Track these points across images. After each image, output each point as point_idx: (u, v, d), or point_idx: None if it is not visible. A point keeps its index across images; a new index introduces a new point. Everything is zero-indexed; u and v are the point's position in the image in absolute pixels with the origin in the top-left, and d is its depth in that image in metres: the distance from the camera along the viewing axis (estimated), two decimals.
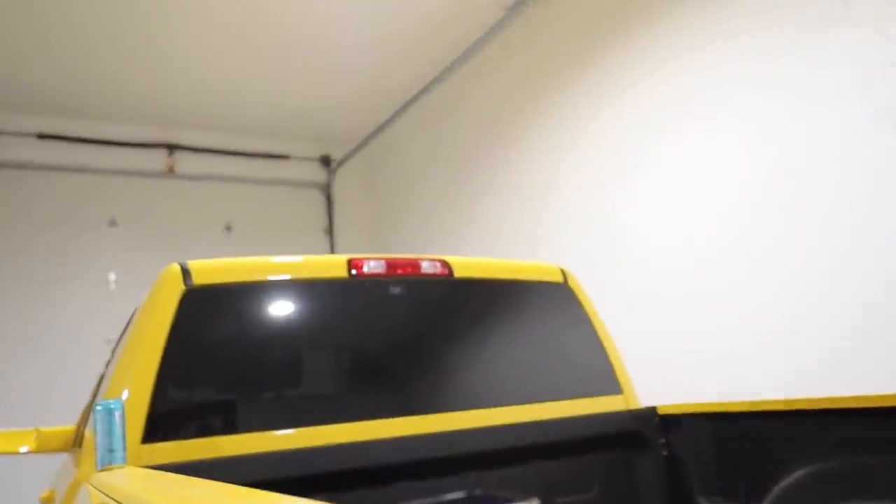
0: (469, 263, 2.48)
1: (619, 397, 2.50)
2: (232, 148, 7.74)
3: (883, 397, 1.90)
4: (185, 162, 7.53)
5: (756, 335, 3.73)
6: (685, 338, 4.14)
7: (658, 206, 4.46)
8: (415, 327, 2.39)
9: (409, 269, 2.32)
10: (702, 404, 2.29)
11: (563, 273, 2.66)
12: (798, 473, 2.00)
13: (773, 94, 3.76)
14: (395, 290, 2.30)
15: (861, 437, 1.96)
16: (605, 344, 2.56)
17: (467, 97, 6.53)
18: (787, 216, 3.65)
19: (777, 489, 2.02)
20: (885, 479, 1.88)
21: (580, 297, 2.61)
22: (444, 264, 2.39)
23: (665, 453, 2.39)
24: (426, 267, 2.35)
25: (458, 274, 2.40)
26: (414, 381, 2.26)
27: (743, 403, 2.12)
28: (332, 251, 8.10)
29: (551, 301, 2.60)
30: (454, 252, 2.68)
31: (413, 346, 2.33)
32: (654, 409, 2.44)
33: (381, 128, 7.35)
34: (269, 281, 2.13)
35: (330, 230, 8.29)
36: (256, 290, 2.10)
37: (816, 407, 2.01)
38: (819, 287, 3.47)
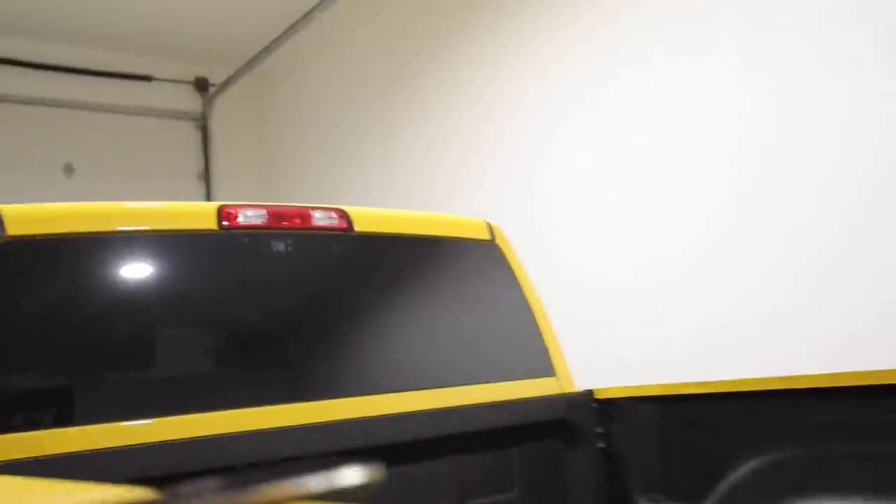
0: (373, 215, 2.59)
1: (551, 380, 2.67)
2: (73, 63, 7.58)
3: (854, 374, 2.11)
4: (7, 80, 7.34)
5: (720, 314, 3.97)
6: (620, 318, 4.42)
7: (599, 160, 4.68)
8: (303, 293, 2.48)
9: (297, 221, 2.40)
10: (646, 386, 2.49)
11: (491, 228, 2.79)
12: (752, 465, 2.22)
13: (752, 19, 3.94)
14: (279, 246, 2.37)
15: (828, 422, 2.18)
16: (538, 317, 2.72)
17: (389, 4, 6.52)
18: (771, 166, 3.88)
19: (725, 484, 2.24)
20: (848, 469, 2.11)
21: (510, 258, 2.75)
22: (342, 215, 2.48)
23: (602, 445, 2.58)
24: (319, 218, 2.43)
25: (358, 228, 2.49)
26: (300, 360, 2.36)
27: (694, 384, 2.33)
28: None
29: (474, 263, 2.73)
30: None
31: (301, 316, 2.43)
32: (589, 392, 2.63)
33: (274, 43, 7.28)
34: (114, 232, 2.17)
35: (206, 175, 8.24)
36: (96, 245, 2.14)
37: (779, 387, 2.22)
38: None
